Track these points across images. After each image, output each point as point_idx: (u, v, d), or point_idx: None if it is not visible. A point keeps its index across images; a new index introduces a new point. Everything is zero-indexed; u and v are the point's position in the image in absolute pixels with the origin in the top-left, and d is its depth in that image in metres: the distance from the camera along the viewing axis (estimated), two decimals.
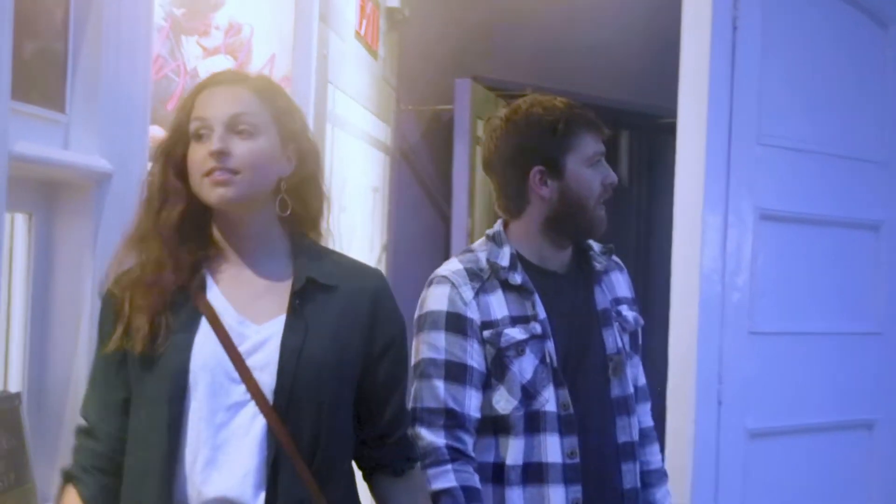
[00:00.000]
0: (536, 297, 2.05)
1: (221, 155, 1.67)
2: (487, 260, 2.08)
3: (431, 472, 1.96)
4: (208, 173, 1.68)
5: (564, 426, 2.02)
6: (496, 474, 2.02)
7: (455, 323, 2.01)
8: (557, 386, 2.03)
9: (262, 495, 1.66)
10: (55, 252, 2.11)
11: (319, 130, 2.65)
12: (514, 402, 2.03)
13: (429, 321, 2.02)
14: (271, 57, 3.00)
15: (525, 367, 2.02)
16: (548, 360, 2.03)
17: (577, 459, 2.02)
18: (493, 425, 2.03)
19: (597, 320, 2.11)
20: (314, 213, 1.81)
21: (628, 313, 2.17)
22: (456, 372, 2.00)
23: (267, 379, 1.68)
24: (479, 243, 2.14)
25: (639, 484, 2.12)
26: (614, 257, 2.22)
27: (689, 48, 2.89)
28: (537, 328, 2.03)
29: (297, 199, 1.76)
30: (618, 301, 2.17)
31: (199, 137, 1.71)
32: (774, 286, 3.09)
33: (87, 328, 2.09)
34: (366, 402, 1.78)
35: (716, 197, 2.90)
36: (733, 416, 2.97)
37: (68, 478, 1.75)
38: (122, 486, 1.71)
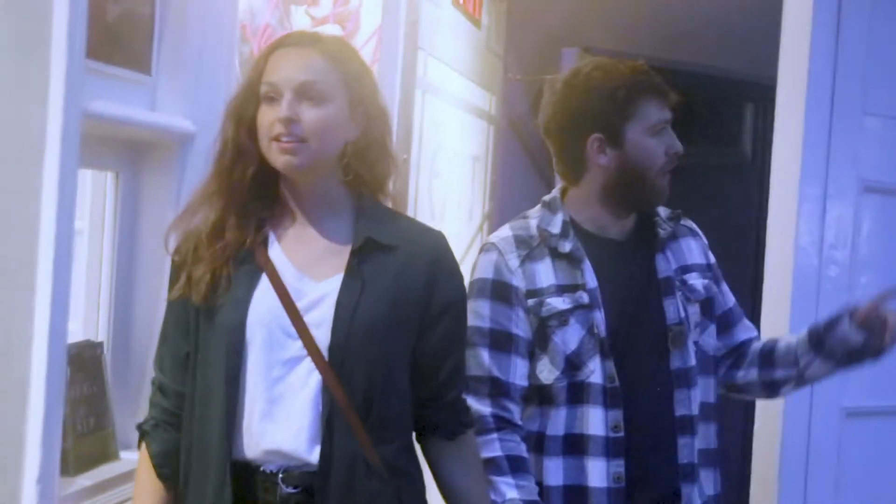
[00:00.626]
0: (587, 266, 2.00)
1: (290, 122, 1.68)
2: (538, 227, 2.03)
3: (481, 439, 1.95)
4: (276, 138, 1.69)
5: (609, 399, 1.97)
6: (538, 444, 2.00)
7: (500, 291, 1.99)
8: (604, 357, 1.98)
9: (317, 449, 1.68)
10: (140, 209, 2.20)
11: (408, 96, 2.67)
12: (557, 373, 1.99)
13: (475, 289, 2.01)
14: (379, 27, 3.04)
15: (569, 337, 1.97)
16: (595, 330, 1.97)
17: (622, 433, 1.96)
18: (538, 395, 2.01)
19: (657, 289, 2.04)
20: (380, 175, 1.80)
21: (697, 281, 2.09)
22: (501, 340, 1.98)
23: (322, 335, 1.69)
24: (535, 209, 2.09)
25: (696, 459, 2.03)
26: (687, 222, 2.15)
27: (791, 13, 2.81)
28: (584, 297, 1.98)
29: (363, 162, 1.76)
30: (686, 269, 2.08)
31: (269, 100, 1.70)
32: (877, 261, 2.98)
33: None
34: (421, 363, 1.77)
35: (814, 168, 2.81)
36: (828, 393, 2.88)
37: (141, 434, 1.80)
38: (183, 439, 1.75)
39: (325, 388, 1.68)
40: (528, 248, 2.01)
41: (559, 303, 1.98)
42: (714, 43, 4.57)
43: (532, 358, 2.00)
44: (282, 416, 1.69)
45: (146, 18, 2.11)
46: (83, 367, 2.03)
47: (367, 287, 1.71)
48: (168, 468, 1.75)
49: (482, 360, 1.98)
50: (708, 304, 2.10)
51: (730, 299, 2.18)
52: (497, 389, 1.98)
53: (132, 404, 2.17)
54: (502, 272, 1.99)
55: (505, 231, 2.05)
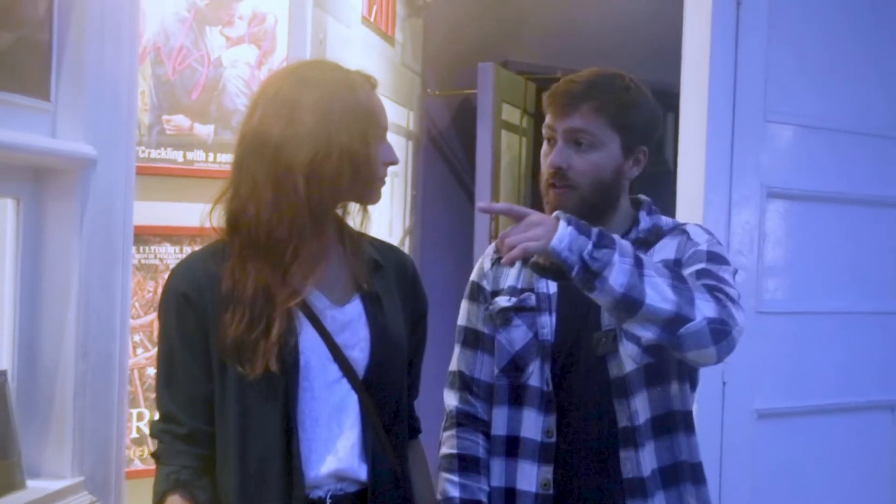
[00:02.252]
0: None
1: (392, 164, 1.81)
2: None
3: (444, 434, 2.05)
4: (383, 176, 1.80)
5: (545, 403, 1.97)
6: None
7: (473, 292, 2.09)
8: (544, 361, 1.98)
9: (366, 468, 1.76)
10: (43, 235, 2.18)
11: None
12: (497, 371, 2.04)
13: (466, 290, 2.12)
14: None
15: (514, 337, 2.01)
16: (540, 334, 1.99)
17: (553, 439, 1.95)
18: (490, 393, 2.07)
19: None
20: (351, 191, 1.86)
21: None
22: (470, 338, 2.07)
23: (359, 356, 1.78)
24: None
25: (646, 474, 1.93)
26: (665, 219, 2.05)
27: (691, 24, 2.87)
28: (531, 300, 2.01)
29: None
30: None
31: (382, 140, 1.81)
32: (784, 265, 3.06)
33: (75, 310, 2.17)
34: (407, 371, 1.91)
35: (719, 175, 2.88)
36: (740, 396, 2.95)
37: (177, 486, 1.76)
38: (234, 477, 1.73)
39: (363, 408, 1.78)
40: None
41: (503, 301, 2.03)
42: (631, 55, 4.65)
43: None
44: (334, 438, 1.76)
45: (43, 45, 2.10)
46: None
47: (385, 307, 1.84)
48: None
49: (456, 356, 2.09)
50: None
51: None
52: (463, 384, 2.06)
53: (38, 433, 2.15)
54: (478, 274, 2.10)
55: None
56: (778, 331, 3.01)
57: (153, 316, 3.05)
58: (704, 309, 1.71)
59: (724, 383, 2.90)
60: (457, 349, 2.09)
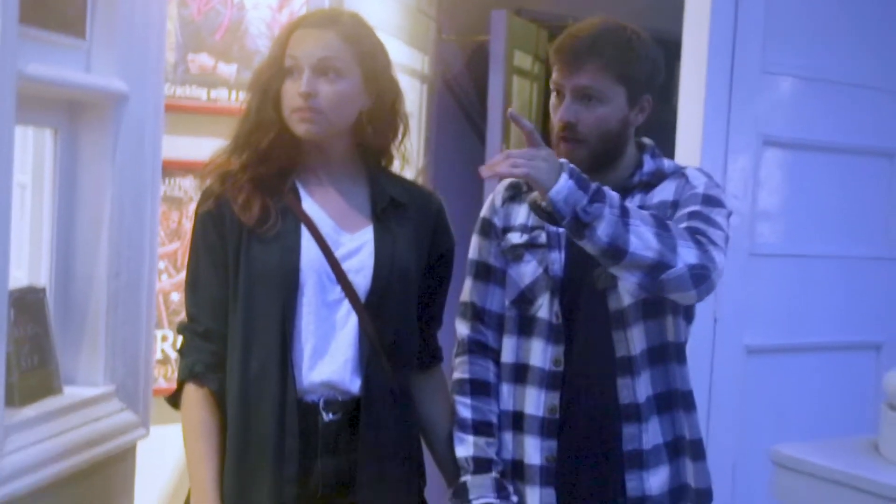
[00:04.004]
0: None
1: (308, 96, 1.90)
2: None
3: (456, 360, 2.16)
4: (296, 110, 1.92)
5: (553, 335, 2.07)
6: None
7: (484, 227, 2.17)
8: (553, 295, 2.07)
9: (358, 381, 1.93)
10: (78, 164, 2.35)
11: None
12: (507, 303, 2.13)
13: (476, 225, 2.19)
14: None
15: (523, 272, 2.09)
16: (550, 270, 2.07)
17: (561, 368, 2.06)
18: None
19: None
20: (388, 140, 2.04)
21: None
22: (482, 271, 2.16)
23: (362, 281, 1.94)
24: None
25: (642, 399, 2.04)
26: (667, 163, 2.11)
27: None
28: (541, 237, 2.08)
29: (373, 128, 1.99)
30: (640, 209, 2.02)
31: (290, 73, 1.93)
32: (777, 210, 3.19)
33: (108, 233, 2.33)
34: (424, 303, 2.07)
35: (716, 122, 3.00)
36: (731, 332, 3.09)
37: (192, 376, 1.95)
38: (237, 376, 1.91)
39: (362, 328, 1.93)
40: (516, 191, 2.15)
41: (515, 238, 2.11)
42: (647, 4, 4.73)
43: None
44: (329, 351, 1.92)
45: None
46: (27, 309, 2.19)
47: (394, 239, 1.98)
48: (224, 407, 1.93)
49: (468, 288, 2.17)
50: None
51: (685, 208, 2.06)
52: (475, 315, 2.15)
53: (74, 345, 2.33)
54: (489, 210, 2.17)
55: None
56: (770, 272, 3.15)
57: (177, 244, 3.23)
58: (686, 255, 1.85)
59: (715, 320, 3.04)
60: (469, 282, 2.18)
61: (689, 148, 3.00)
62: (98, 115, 2.33)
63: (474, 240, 2.18)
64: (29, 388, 2.15)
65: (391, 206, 2.01)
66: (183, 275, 2.11)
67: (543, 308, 2.08)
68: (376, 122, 1.99)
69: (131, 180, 2.37)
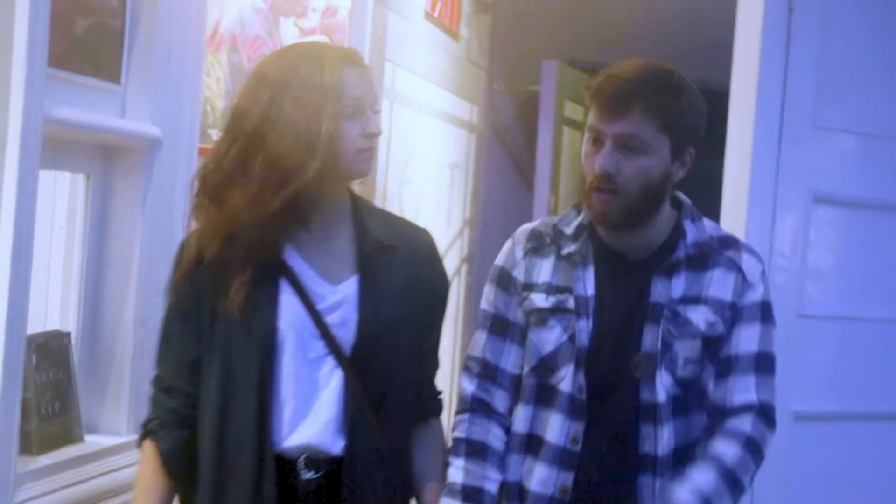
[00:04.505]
0: (589, 273, 1.92)
1: (374, 136, 1.81)
2: (554, 224, 1.97)
3: (456, 418, 1.99)
4: (363, 150, 1.80)
5: (575, 410, 1.90)
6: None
7: (503, 279, 1.98)
8: (578, 367, 1.89)
9: (341, 443, 1.79)
10: (110, 209, 2.35)
11: None
12: (526, 369, 1.95)
13: (490, 273, 2.02)
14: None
15: (546, 338, 1.92)
16: (576, 339, 1.89)
17: (579, 447, 1.89)
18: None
19: (643, 313, 1.90)
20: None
21: (699, 315, 1.89)
22: (499, 326, 1.98)
23: (346, 335, 1.80)
24: (570, 208, 2.03)
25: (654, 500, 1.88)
26: (735, 253, 1.95)
27: (743, 26, 2.91)
28: (569, 302, 1.91)
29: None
30: (693, 300, 1.90)
31: (352, 116, 1.77)
32: (828, 270, 3.08)
33: (136, 280, 2.33)
34: (416, 352, 1.91)
35: (764, 177, 2.91)
36: (778, 397, 2.97)
37: (147, 433, 1.85)
38: (205, 438, 1.80)
39: (347, 385, 1.80)
40: (539, 242, 1.96)
41: (540, 300, 1.93)
42: (696, 53, 4.67)
43: None
44: (310, 412, 1.80)
45: (116, 31, 2.26)
46: (49, 354, 2.18)
47: (383, 288, 1.84)
48: (176, 466, 1.83)
49: (481, 341, 1.99)
50: (713, 344, 1.91)
51: (741, 347, 1.93)
52: (485, 372, 1.97)
53: (98, 392, 2.31)
54: (508, 261, 1.97)
55: (531, 224, 2.03)
56: (820, 334, 3.02)
57: None
58: (750, 469, 1.88)
59: None
60: (482, 335, 1.99)
61: (735, 203, 2.91)
62: (131, 159, 2.34)
63: (489, 289, 2.00)
64: (48, 435, 2.13)
65: (377, 250, 1.85)
66: None
67: (567, 380, 1.90)
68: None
69: (162, 225, 2.37)
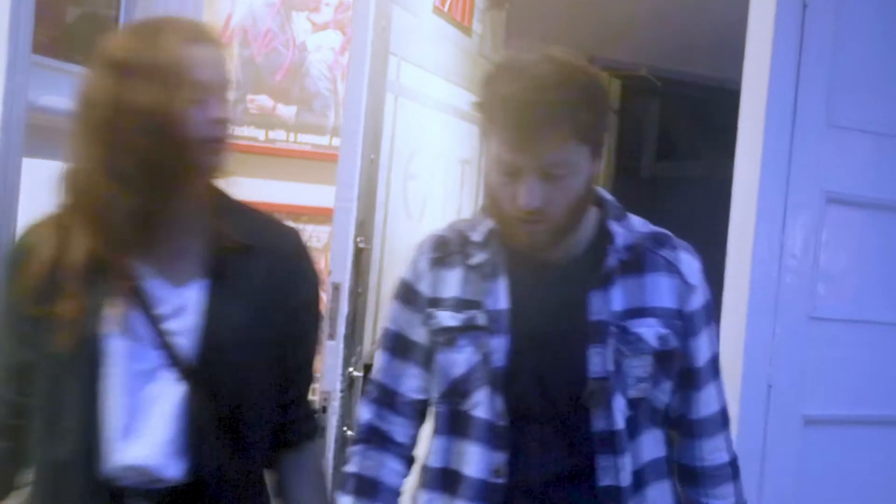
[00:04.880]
0: (500, 284, 1.72)
1: (221, 124, 1.62)
2: (461, 231, 1.79)
3: (349, 450, 1.81)
4: (206, 140, 1.61)
5: (494, 438, 1.70)
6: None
7: (408, 294, 1.79)
8: (495, 390, 1.69)
9: (179, 466, 1.59)
10: None
11: (377, 99, 2.78)
12: (437, 396, 1.77)
13: (395, 287, 1.84)
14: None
15: (456, 360, 1.72)
16: (489, 359, 1.70)
17: (502, 480, 1.69)
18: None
19: (582, 333, 1.71)
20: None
21: (649, 329, 1.72)
22: (400, 346, 1.79)
23: (186, 344, 1.60)
24: (478, 210, 1.83)
25: None
26: (670, 252, 1.77)
27: (755, 24, 2.87)
28: (479, 318, 1.71)
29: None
30: (638, 312, 1.73)
31: (196, 101, 1.60)
32: (842, 273, 3.02)
33: None
34: (279, 366, 1.71)
35: (775, 178, 2.85)
36: (787, 400, 2.92)
37: None
38: (34, 451, 1.64)
39: (189, 401, 1.59)
40: (445, 251, 1.78)
41: (447, 319, 1.73)
42: (711, 50, 4.61)
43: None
44: (143, 430, 1.59)
45: (109, 20, 2.24)
46: None
47: (233, 294, 1.63)
48: None
49: (380, 363, 1.81)
50: (665, 358, 1.76)
51: (700, 356, 1.81)
52: (383, 397, 1.79)
53: None
54: (414, 274, 1.79)
55: (441, 229, 1.84)
56: (831, 337, 2.97)
57: None
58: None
59: (769, 386, 2.88)
60: (381, 356, 1.80)
61: (745, 204, 2.86)
62: None
63: (392, 306, 1.81)
64: None
65: (232, 250, 1.64)
66: None
67: (482, 405, 1.70)
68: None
69: None
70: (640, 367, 1.72)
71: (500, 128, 1.61)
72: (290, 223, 1.86)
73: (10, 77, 1.78)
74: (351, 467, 1.78)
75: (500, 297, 1.72)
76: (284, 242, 1.73)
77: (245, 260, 1.65)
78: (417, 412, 1.80)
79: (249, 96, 3.64)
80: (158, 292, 1.62)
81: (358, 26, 2.61)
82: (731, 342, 2.83)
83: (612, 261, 1.71)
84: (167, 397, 1.60)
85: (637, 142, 5.29)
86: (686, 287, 1.76)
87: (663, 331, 1.74)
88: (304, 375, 1.78)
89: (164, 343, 1.59)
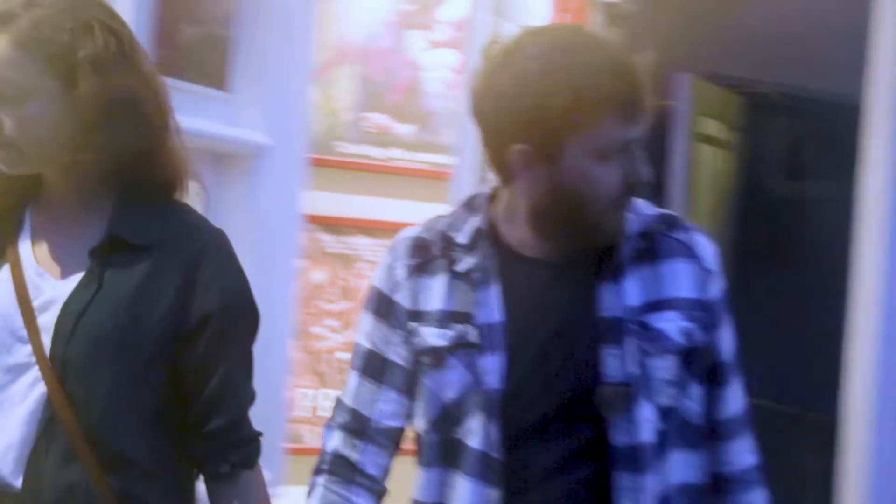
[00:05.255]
0: (493, 292, 1.50)
1: None
2: (442, 231, 1.54)
3: (311, 479, 1.59)
4: None
5: (488, 472, 1.48)
6: None
7: (382, 306, 1.56)
8: (490, 416, 1.47)
9: (21, 474, 1.44)
10: (219, 215, 2.36)
11: None
12: (425, 423, 1.54)
13: (367, 297, 1.60)
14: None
15: (447, 382, 1.50)
16: (482, 381, 1.48)
17: None
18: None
19: (593, 333, 1.48)
20: (130, 149, 1.46)
21: (671, 324, 1.50)
22: (374, 366, 1.56)
23: (47, 342, 1.45)
24: (457, 206, 1.59)
25: None
26: (684, 234, 1.55)
27: (880, 37, 2.76)
28: (471, 334, 1.48)
29: (100, 146, 1.45)
30: (658, 305, 1.51)
31: None
32: None
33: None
34: (181, 384, 1.49)
35: None
36: None
37: None
38: None
39: (49, 404, 1.44)
40: (424, 256, 1.54)
41: (433, 336, 1.51)
42: (852, 69, 4.47)
43: (413, 396, 1.56)
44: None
45: (224, 40, 2.29)
46: None
47: (102, 292, 1.45)
48: None
49: (349, 384, 1.58)
50: (692, 356, 1.53)
51: (724, 349, 1.59)
52: (353, 423, 1.56)
53: None
54: (388, 283, 1.55)
55: (412, 230, 1.59)
56: None
57: (348, 304, 3.25)
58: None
59: None
60: (353, 376, 1.58)
61: (873, 227, 2.75)
62: (240, 167, 2.37)
63: (365, 319, 1.58)
64: None
65: (121, 248, 1.46)
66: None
67: (475, 434, 1.48)
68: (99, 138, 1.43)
69: (270, 234, 2.39)
70: (665, 368, 1.50)
71: (605, 104, 1.43)
72: None
73: None
74: (312, 501, 1.57)
75: (493, 308, 1.50)
76: (187, 243, 1.49)
77: (132, 260, 1.47)
78: (391, 440, 1.57)
79: (366, 115, 3.68)
80: (41, 282, 1.47)
81: (469, 45, 2.62)
82: (863, 365, 2.72)
83: (625, 250, 1.49)
84: (26, 398, 1.45)
85: (762, 161, 5.15)
86: (705, 273, 1.54)
87: (687, 324, 1.51)
88: (211, 397, 1.50)
89: (34, 337, 1.45)
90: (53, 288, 1.46)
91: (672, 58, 4.47)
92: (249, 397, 1.53)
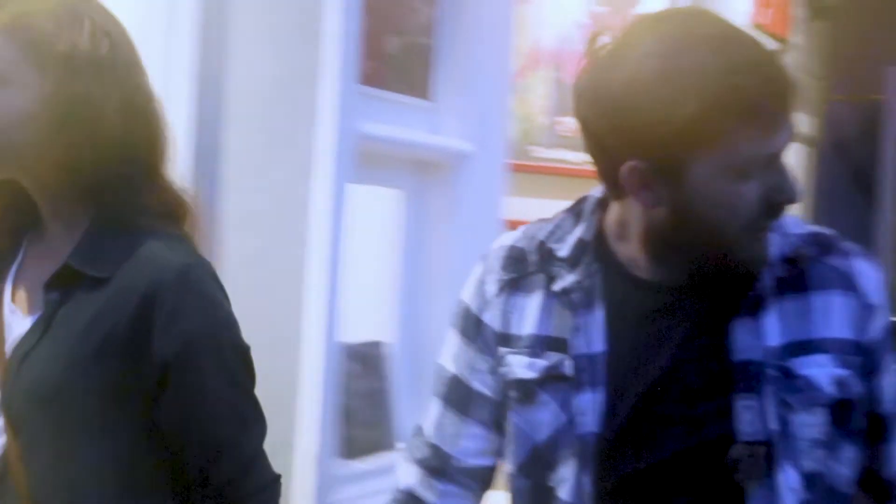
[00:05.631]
0: (596, 318, 1.27)
1: None
2: (541, 242, 1.31)
3: None
4: None
5: None
6: None
7: (468, 324, 1.35)
8: (583, 464, 1.25)
9: None
10: (424, 223, 2.42)
11: None
12: (513, 466, 1.33)
13: (455, 312, 1.38)
14: None
15: (538, 420, 1.29)
16: (577, 423, 1.25)
17: None
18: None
19: (724, 380, 1.24)
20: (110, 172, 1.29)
21: (821, 370, 1.24)
22: (459, 395, 1.35)
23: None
24: (561, 211, 1.35)
25: None
26: (841, 260, 1.27)
27: None
28: (566, 366, 1.26)
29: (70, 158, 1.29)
30: (804, 347, 1.25)
31: None
32: None
33: (452, 289, 2.36)
34: (166, 439, 1.30)
35: None
36: None
37: None
38: None
39: (4, 457, 1.30)
40: (520, 270, 1.32)
41: (522, 367, 1.29)
42: None
43: (503, 432, 1.35)
44: None
45: (427, 49, 2.32)
46: (367, 363, 2.25)
47: (50, 332, 1.29)
48: None
49: (432, 413, 1.38)
50: (845, 410, 1.27)
51: (888, 399, 1.32)
52: (433, 460, 1.36)
53: (415, 400, 2.37)
54: (477, 299, 1.34)
55: (507, 237, 1.36)
56: None
57: None
58: None
59: None
60: (435, 404, 1.37)
61: None
62: (442, 174, 2.40)
63: (452, 338, 1.37)
64: (363, 441, 2.20)
65: (78, 281, 1.28)
66: None
67: (566, 483, 1.27)
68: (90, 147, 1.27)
69: (472, 240, 2.40)
70: (812, 424, 1.25)
71: (742, 112, 1.17)
72: None
73: (341, 107, 1.88)
74: None
75: (595, 336, 1.27)
76: (144, 274, 1.27)
77: (87, 295, 1.28)
78: (476, 480, 1.37)
79: (559, 118, 3.66)
80: (12, 319, 1.34)
81: None
82: None
83: (767, 279, 1.24)
84: None
85: None
86: (866, 308, 1.28)
87: (840, 371, 1.26)
88: (198, 454, 1.31)
89: (5, 381, 1.31)
90: (20, 325, 1.32)
91: (881, 50, 4.29)
92: (253, 446, 1.32)
